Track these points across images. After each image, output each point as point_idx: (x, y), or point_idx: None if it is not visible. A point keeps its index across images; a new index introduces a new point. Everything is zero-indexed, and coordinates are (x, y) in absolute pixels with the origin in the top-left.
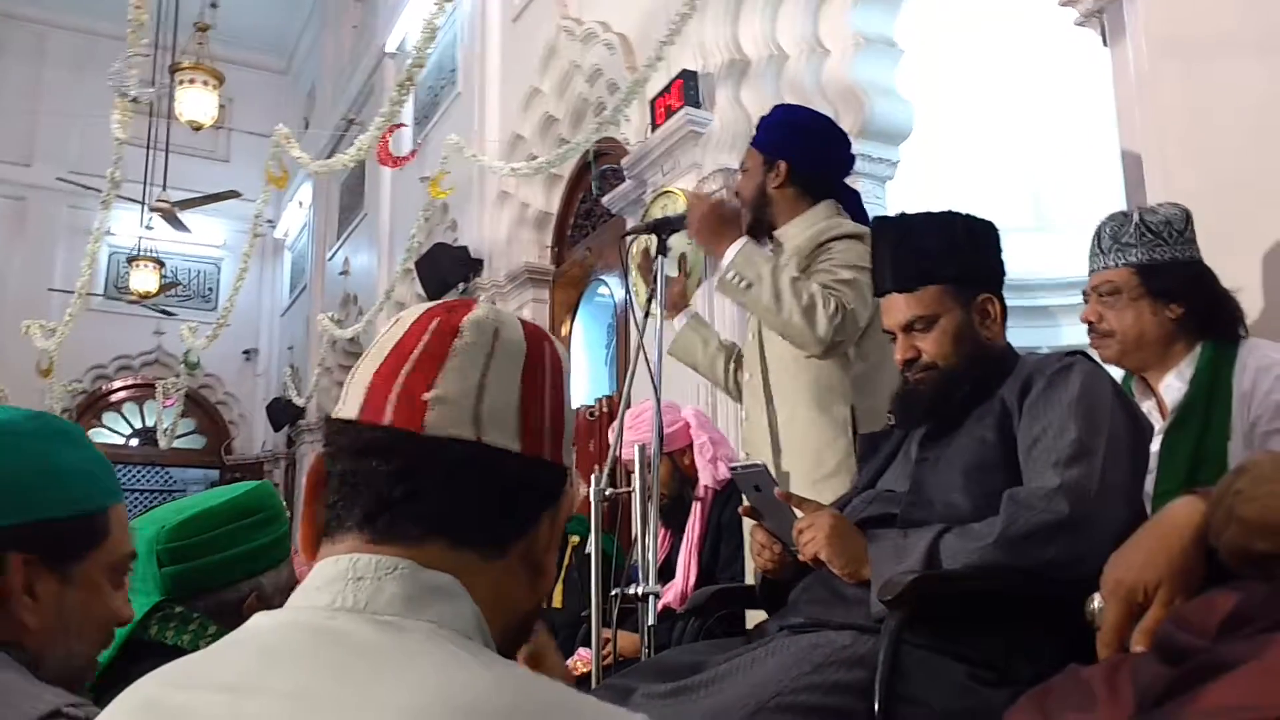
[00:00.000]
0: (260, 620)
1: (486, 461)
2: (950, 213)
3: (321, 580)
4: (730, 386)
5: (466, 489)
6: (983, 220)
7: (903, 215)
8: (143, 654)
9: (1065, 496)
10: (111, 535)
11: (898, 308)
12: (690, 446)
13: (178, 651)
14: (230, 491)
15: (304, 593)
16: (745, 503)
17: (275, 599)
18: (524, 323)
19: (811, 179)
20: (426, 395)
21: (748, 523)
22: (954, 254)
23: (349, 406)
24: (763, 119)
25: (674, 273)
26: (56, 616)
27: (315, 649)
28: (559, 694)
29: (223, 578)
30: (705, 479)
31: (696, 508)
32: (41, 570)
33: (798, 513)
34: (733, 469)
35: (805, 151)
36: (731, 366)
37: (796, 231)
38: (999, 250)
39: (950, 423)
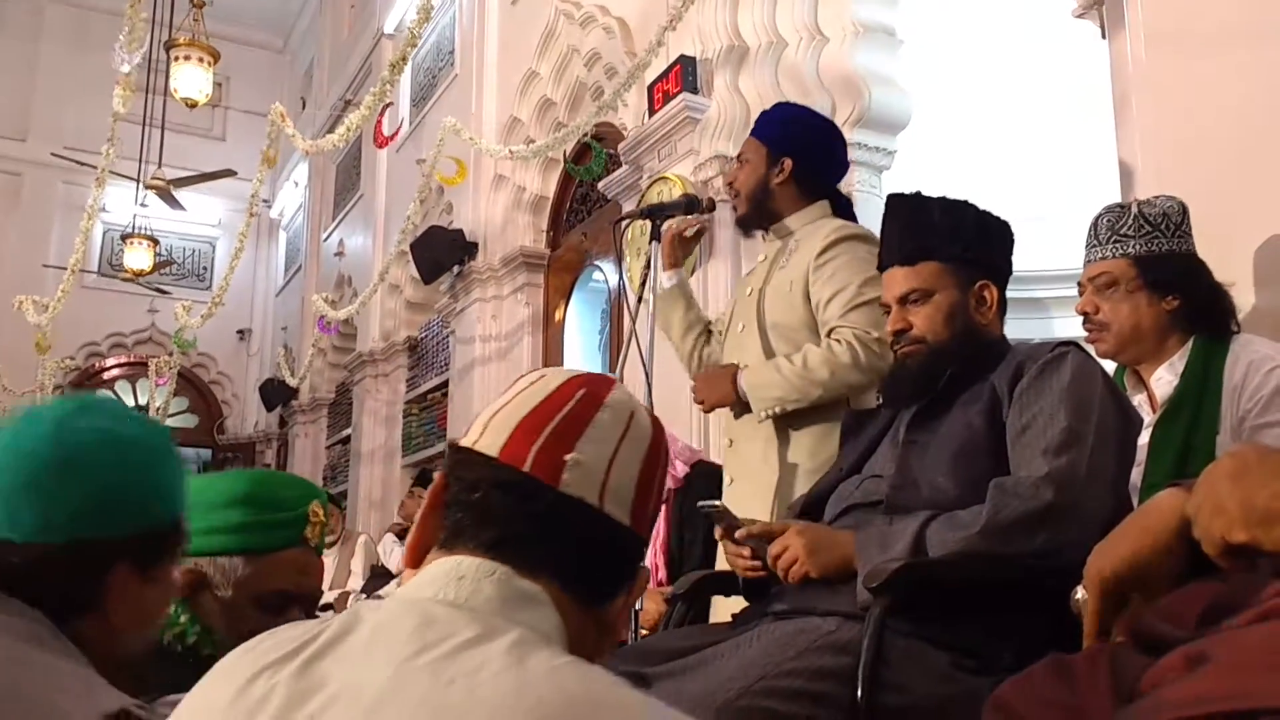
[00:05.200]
0: (365, 607)
1: (603, 526)
2: (966, 201)
3: (428, 577)
4: (694, 360)
5: (582, 545)
6: (998, 218)
7: (917, 193)
8: None
9: (1052, 485)
10: (185, 535)
11: (896, 281)
12: None
13: None
14: (216, 476)
15: (411, 587)
16: (718, 531)
17: (220, 588)
18: (650, 412)
19: (811, 179)
20: (567, 456)
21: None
22: (959, 236)
23: (486, 442)
24: (765, 113)
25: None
26: (136, 614)
27: (420, 630)
28: (626, 693)
29: None
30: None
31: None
32: (134, 574)
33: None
34: (700, 507)
35: (810, 152)
36: (700, 341)
37: (798, 226)
38: (1008, 247)
39: (939, 406)
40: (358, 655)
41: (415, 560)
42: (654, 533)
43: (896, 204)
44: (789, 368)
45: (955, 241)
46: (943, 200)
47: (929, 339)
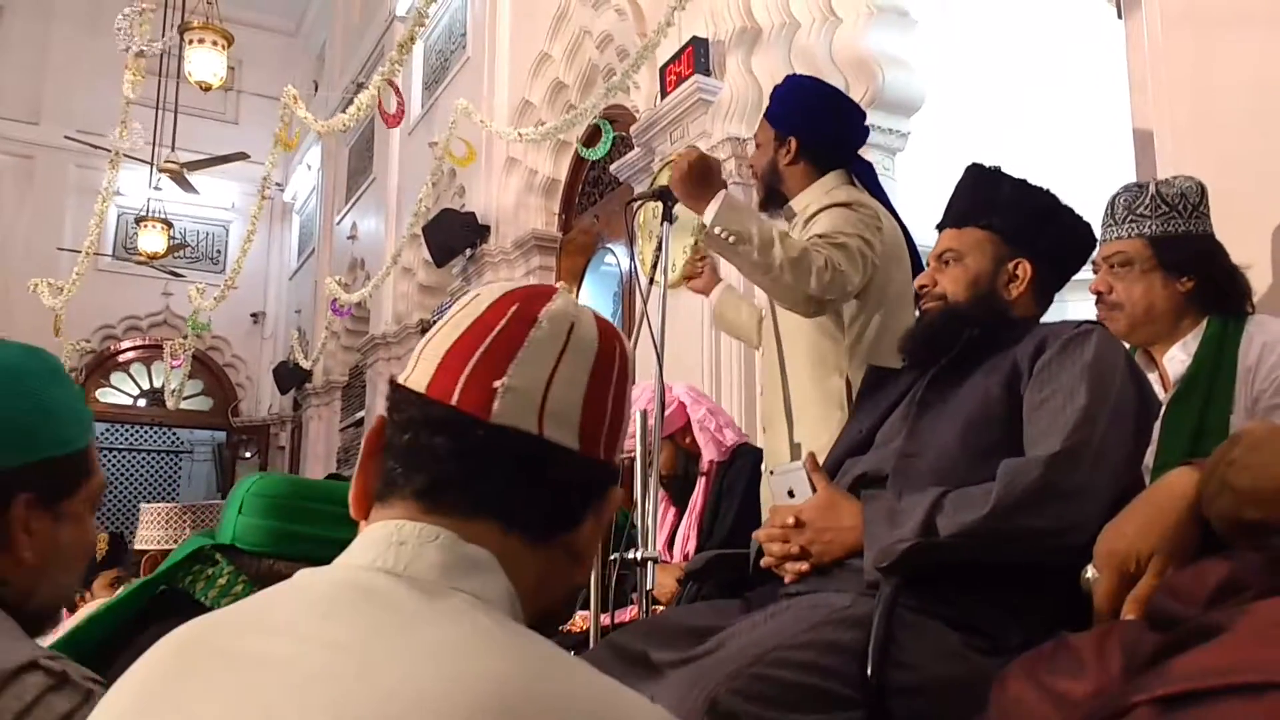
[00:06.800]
0: (304, 576)
1: (545, 456)
2: (1047, 190)
3: (367, 542)
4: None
5: (523, 479)
6: (1079, 218)
7: (996, 167)
8: (172, 608)
9: (1063, 463)
10: (93, 469)
11: (941, 241)
12: (688, 425)
13: (203, 608)
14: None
15: (349, 553)
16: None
17: None
18: (598, 319)
19: (821, 154)
20: (497, 383)
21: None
22: (1013, 211)
23: (417, 377)
24: (775, 89)
25: (680, 242)
26: (49, 551)
27: (356, 604)
28: (577, 679)
29: (283, 548)
30: (709, 454)
31: (701, 482)
32: (37, 508)
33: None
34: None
35: (815, 128)
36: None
37: (800, 208)
38: (1068, 240)
39: (959, 372)
40: (280, 628)
41: (363, 511)
42: (691, 502)
43: (970, 172)
44: (770, 225)
45: (1007, 215)
46: (1021, 181)
47: (948, 298)
